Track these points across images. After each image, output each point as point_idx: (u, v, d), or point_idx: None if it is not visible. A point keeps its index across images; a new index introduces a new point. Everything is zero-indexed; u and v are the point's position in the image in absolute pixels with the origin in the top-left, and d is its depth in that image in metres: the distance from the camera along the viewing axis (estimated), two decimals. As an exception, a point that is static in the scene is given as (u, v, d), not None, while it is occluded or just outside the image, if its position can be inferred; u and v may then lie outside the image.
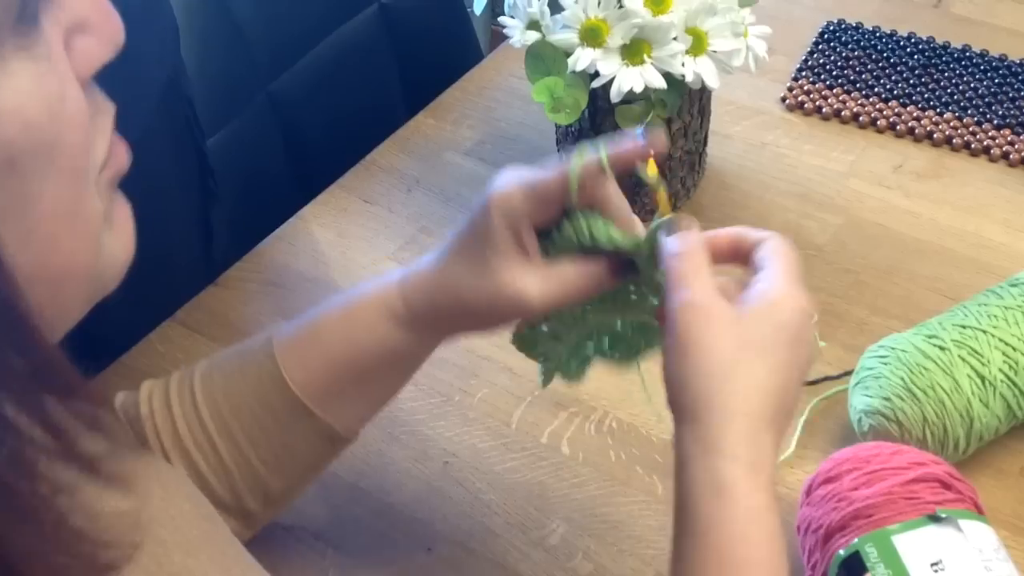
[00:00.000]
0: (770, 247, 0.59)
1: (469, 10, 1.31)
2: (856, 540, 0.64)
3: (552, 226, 0.61)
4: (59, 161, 0.39)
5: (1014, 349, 0.74)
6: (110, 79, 0.42)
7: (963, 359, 0.73)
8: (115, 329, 0.89)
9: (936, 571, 0.61)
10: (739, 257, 0.60)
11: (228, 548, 0.54)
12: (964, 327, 0.75)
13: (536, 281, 0.61)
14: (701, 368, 0.54)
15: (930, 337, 0.75)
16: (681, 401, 0.55)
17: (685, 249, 0.57)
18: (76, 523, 0.38)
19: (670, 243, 0.57)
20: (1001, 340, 0.74)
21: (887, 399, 0.73)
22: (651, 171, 0.60)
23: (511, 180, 0.61)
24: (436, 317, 0.64)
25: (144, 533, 0.44)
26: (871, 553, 0.63)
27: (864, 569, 0.63)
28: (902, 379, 0.73)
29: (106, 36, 0.40)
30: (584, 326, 0.65)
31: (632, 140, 0.60)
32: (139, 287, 0.89)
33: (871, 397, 0.74)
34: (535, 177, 0.61)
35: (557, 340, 0.66)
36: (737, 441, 0.53)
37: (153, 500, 0.48)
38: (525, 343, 0.66)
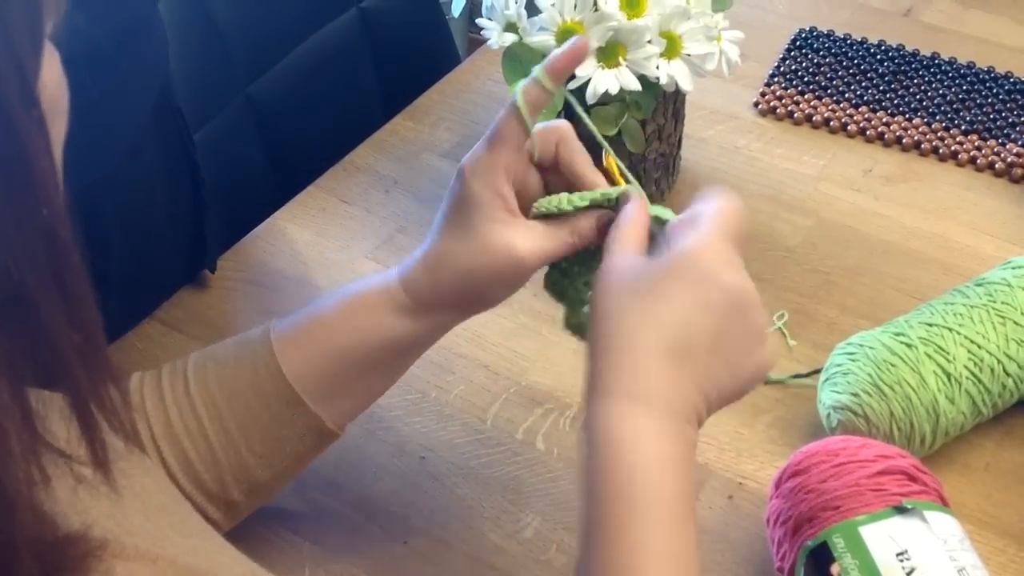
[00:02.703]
0: (705, 203, 0.60)
1: (448, 17, 1.33)
2: (824, 531, 0.65)
3: (526, 182, 0.65)
4: (57, 128, 0.41)
5: (979, 347, 0.75)
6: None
7: (929, 356, 0.75)
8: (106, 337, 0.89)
9: (902, 561, 0.63)
10: None
11: (189, 517, 0.55)
12: (931, 325, 0.77)
13: (524, 236, 0.63)
14: (599, 316, 0.57)
15: (897, 335, 0.76)
16: (588, 352, 0.58)
17: (619, 225, 0.61)
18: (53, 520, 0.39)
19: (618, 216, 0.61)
20: (966, 338, 0.76)
21: (855, 395, 0.75)
22: (611, 166, 0.66)
23: (476, 146, 0.64)
24: (438, 297, 0.66)
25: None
26: (838, 544, 0.64)
27: (831, 560, 0.64)
28: (869, 375, 0.75)
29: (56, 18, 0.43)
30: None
31: (559, 49, 0.63)
32: (129, 296, 0.90)
33: (839, 393, 0.76)
34: (491, 129, 0.64)
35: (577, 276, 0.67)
36: (614, 375, 0.55)
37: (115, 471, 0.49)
38: (552, 286, 0.68)
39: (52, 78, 0.40)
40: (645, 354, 0.55)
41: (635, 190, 0.64)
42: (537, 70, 0.62)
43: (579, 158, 0.65)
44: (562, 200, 0.64)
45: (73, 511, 0.40)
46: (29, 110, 0.36)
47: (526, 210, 0.65)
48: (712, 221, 0.58)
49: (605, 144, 0.66)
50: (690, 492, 0.55)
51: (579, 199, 0.63)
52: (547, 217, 0.65)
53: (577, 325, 0.68)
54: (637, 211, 0.61)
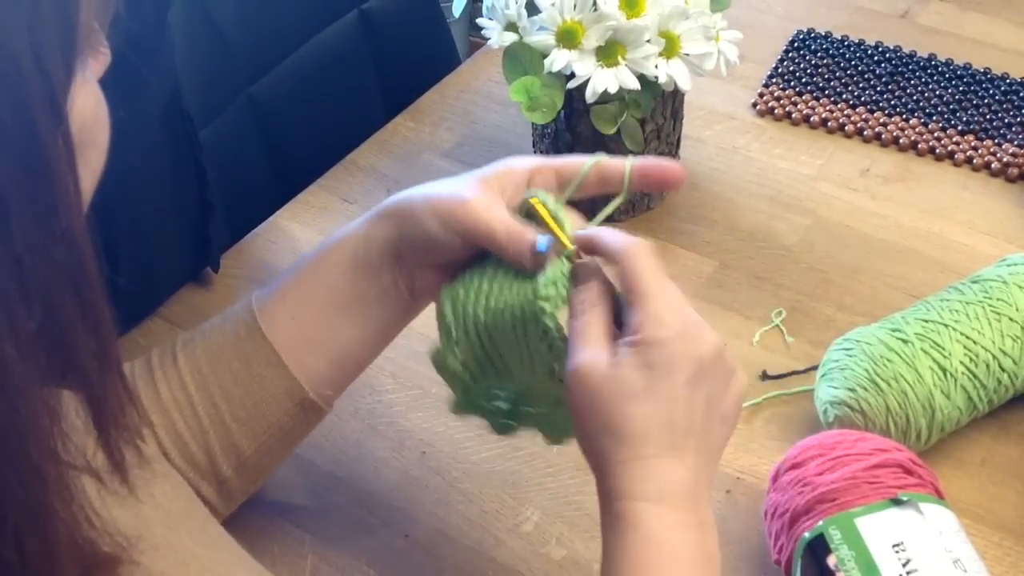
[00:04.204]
0: (628, 268, 0.59)
1: (449, 20, 1.34)
2: (820, 523, 0.66)
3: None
4: (92, 159, 0.42)
5: (974, 342, 0.76)
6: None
7: (925, 352, 0.76)
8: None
9: (897, 552, 0.64)
10: (596, 250, 0.62)
11: (208, 525, 0.56)
12: (927, 321, 0.77)
13: (484, 196, 0.63)
14: (589, 429, 0.58)
15: (894, 330, 0.77)
16: (586, 456, 0.59)
17: (580, 318, 0.59)
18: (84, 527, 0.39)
19: (573, 301, 0.60)
20: (962, 334, 0.76)
21: (852, 390, 0.75)
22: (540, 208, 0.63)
23: (538, 160, 0.66)
24: (390, 243, 0.66)
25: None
26: (835, 535, 0.65)
27: (828, 551, 0.65)
28: (866, 370, 0.75)
29: (104, 61, 0.44)
30: (499, 375, 0.66)
31: (661, 161, 0.64)
32: (134, 294, 0.90)
33: (836, 388, 0.76)
34: (563, 158, 0.66)
35: (472, 378, 0.66)
36: (633, 481, 0.56)
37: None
38: (439, 363, 0.66)
39: (89, 107, 0.41)
40: (664, 457, 0.56)
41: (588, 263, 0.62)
42: (628, 163, 0.63)
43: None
44: (548, 197, 0.63)
45: (107, 524, 0.40)
46: (56, 125, 0.36)
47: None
48: (650, 291, 0.57)
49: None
50: (714, 562, 0.57)
51: (552, 201, 0.63)
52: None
53: (467, 409, 0.69)
54: (597, 298, 0.60)
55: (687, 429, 0.57)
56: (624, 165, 0.64)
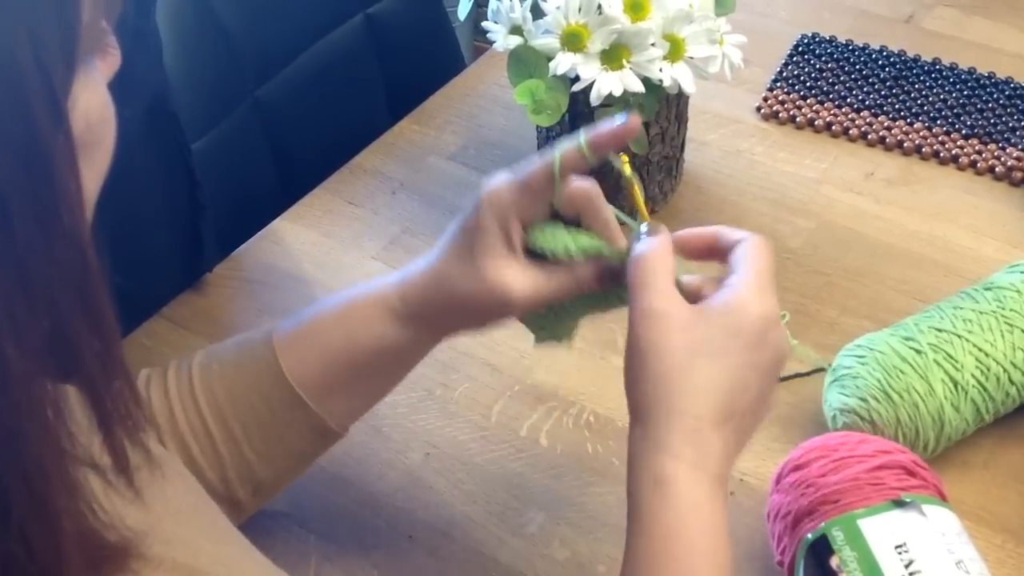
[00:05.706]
0: (744, 249, 0.60)
1: (455, 25, 1.34)
2: (823, 524, 0.66)
3: (540, 224, 0.64)
4: (97, 159, 0.43)
5: (986, 355, 0.75)
6: None
7: (938, 364, 0.75)
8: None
9: (900, 554, 0.64)
10: (716, 255, 0.63)
11: (218, 520, 0.56)
12: (940, 331, 0.76)
13: (521, 278, 0.63)
14: (651, 371, 0.57)
15: (907, 339, 0.76)
16: (633, 402, 0.58)
17: (646, 254, 0.59)
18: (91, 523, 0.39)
19: (635, 249, 0.60)
20: (975, 346, 0.75)
21: (863, 400, 0.75)
22: (625, 167, 0.63)
23: (501, 177, 0.64)
24: (431, 314, 0.66)
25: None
26: (838, 536, 0.65)
27: (831, 552, 0.65)
28: (879, 380, 0.75)
29: (113, 62, 0.44)
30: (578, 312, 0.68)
31: (609, 124, 0.62)
32: (127, 299, 0.90)
33: (847, 396, 0.76)
34: (522, 171, 0.64)
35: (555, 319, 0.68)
36: (680, 440, 0.56)
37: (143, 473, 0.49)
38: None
39: (94, 107, 0.41)
40: (711, 426, 0.56)
41: (656, 225, 0.62)
42: (582, 138, 0.62)
43: (602, 222, 0.64)
44: (557, 245, 0.63)
45: (113, 518, 0.40)
46: (57, 124, 0.36)
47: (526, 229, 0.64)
48: (761, 274, 0.59)
49: (635, 178, 0.64)
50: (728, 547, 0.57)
51: (576, 248, 0.63)
52: (541, 254, 0.64)
53: (549, 339, 0.69)
54: (664, 245, 0.60)
55: (743, 406, 0.57)
56: (578, 141, 0.62)
